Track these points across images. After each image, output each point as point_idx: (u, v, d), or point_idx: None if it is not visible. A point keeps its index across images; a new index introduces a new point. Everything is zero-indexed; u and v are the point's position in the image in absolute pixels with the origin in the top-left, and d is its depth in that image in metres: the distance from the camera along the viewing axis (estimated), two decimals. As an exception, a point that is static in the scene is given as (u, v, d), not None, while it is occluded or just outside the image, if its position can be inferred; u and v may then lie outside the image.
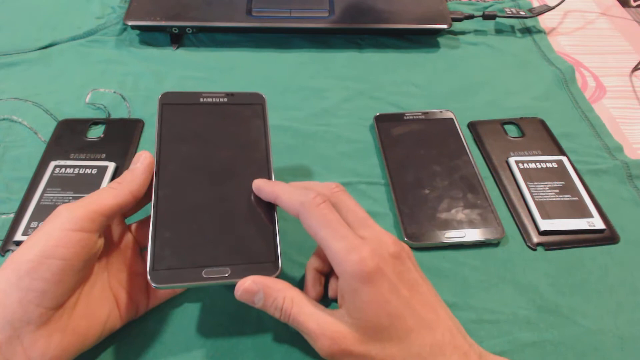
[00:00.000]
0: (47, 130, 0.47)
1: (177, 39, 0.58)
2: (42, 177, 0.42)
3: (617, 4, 0.70)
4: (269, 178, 0.34)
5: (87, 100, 0.51)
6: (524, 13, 0.62)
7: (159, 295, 0.35)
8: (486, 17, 0.61)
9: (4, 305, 0.26)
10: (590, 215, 0.41)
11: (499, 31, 0.63)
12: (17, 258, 0.27)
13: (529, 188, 0.43)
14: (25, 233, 0.38)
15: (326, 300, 0.35)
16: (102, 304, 0.31)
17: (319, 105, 0.52)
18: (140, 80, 0.53)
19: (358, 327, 0.28)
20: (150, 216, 0.35)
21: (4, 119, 0.48)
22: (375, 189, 0.44)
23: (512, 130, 0.49)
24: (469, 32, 0.62)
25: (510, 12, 0.62)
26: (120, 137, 0.46)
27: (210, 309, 0.35)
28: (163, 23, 0.56)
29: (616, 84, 0.57)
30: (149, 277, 0.30)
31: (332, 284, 0.35)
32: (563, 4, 0.65)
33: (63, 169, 0.42)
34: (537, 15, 0.63)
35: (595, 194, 0.44)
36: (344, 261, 0.28)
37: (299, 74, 0.55)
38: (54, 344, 0.27)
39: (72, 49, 0.57)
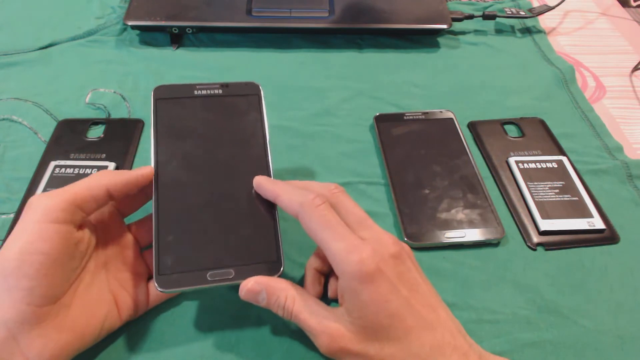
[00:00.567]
0: (47, 130, 0.47)
1: (177, 39, 0.58)
2: (42, 177, 0.42)
3: (617, 4, 0.70)
4: (267, 172, 0.34)
5: (87, 100, 0.51)
6: (524, 13, 0.62)
7: (158, 295, 0.34)
8: (486, 17, 0.61)
9: None
10: (590, 215, 0.41)
11: (499, 31, 0.63)
12: (0, 259, 0.27)
13: (529, 188, 0.43)
14: (25, 233, 0.38)
15: (325, 300, 0.35)
16: (100, 303, 0.31)
17: (319, 105, 0.52)
18: (140, 80, 0.53)
19: (357, 326, 0.28)
20: (150, 215, 0.35)
21: (4, 119, 0.49)
22: (375, 189, 0.44)
23: (512, 130, 0.49)
24: (469, 32, 0.62)
25: (510, 12, 0.62)
26: (120, 137, 0.46)
27: (210, 309, 0.35)
28: (163, 23, 0.56)
29: (616, 84, 0.57)
30: (155, 282, 0.30)
31: (332, 284, 0.35)
32: (563, 4, 0.65)
33: (63, 169, 0.42)
34: (537, 15, 0.63)
35: (595, 194, 0.44)
36: (344, 262, 0.28)
37: (299, 74, 0.55)
38: (51, 344, 0.27)
39: (72, 49, 0.57)
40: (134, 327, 0.34)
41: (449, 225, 0.40)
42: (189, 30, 0.57)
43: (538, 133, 0.49)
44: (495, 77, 0.56)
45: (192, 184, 0.33)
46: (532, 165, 0.45)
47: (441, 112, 0.49)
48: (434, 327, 0.28)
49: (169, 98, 0.35)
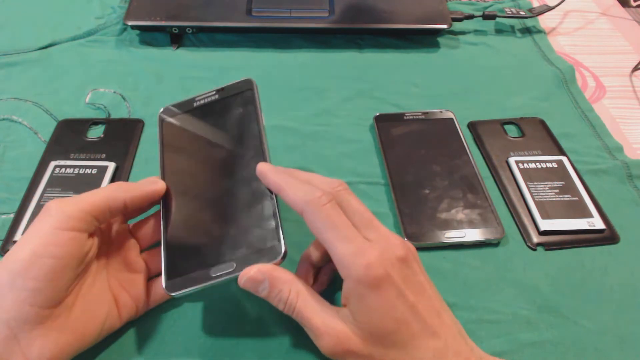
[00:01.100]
0: (47, 130, 0.47)
1: (177, 39, 0.58)
2: (42, 177, 0.42)
3: (617, 4, 0.70)
4: (265, 160, 0.34)
5: (87, 100, 0.51)
6: (524, 13, 0.62)
7: (158, 295, 0.35)
8: (486, 17, 0.61)
9: None
10: (590, 215, 0.41)
11: (499, 31, 0.63)
12: (10, 258, 0.27)
13: (529, 188, 0.43)
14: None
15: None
16: (100, 304, 0.31)
17: (319, 105, 0.52)
18: (140, 80, 0.53)
19: (363, 330, 0.28)
20: (150, 216, 0.36)
21: (4, 119, 0.49)
22: (375, 189, 0.44)
23: (512, 130, 0.49)
24: (469, 32, 0.62)
25: (510, 12, 0.62)
26: (120, 137, 0.46)
27: (210, 309, 0.35)
28: (163, 23, 0.56)
29: (616, 84, 0.57)
30: (164, 287, 0.30)
31: (322, 278, 0.34)
32: (563, 4, 0.65)
33: (63, 169, 0.42)
34: (537, 15, 0.63)
35: (595, 194, 0.43)
36: (350, 265, 0.27)
37: (299, 74, 0.55)
38: (51, 344, 0.27)
39: (72, 49, 0.57)
40: (134, 327, 0.34)
41: (449, 225, 0.40)
42: (189, 30, 0.57)
43: (538, 133, 0.49)
44: (495, 77, 0.56)
45: (195, 189, 0.34)
46: (532, 165, 0.45)
47: (441, 112, 0.49)
48: (437, 332, 0.28)
49: (173, 115, 0.37)
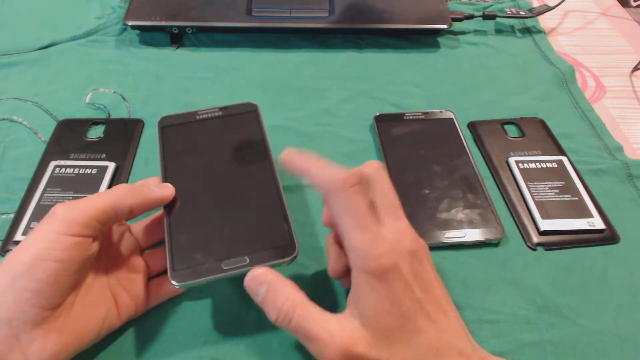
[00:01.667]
0: (47, 130, 0.47)
1: (177, 39, 0.58)
2: (42, 177, 0.42)
3: (617, 4, 0.70)
4: (274, 177, 0.35)
5: (87, 100, 0.51)
6: (524, 13, 0.62)
7: (158, 294, 0.35)
8: (486, 17, 0.61)
9: (0, 305, 0.26)
10: (590, 215, 0.41)
11: (499, 31, 0.63)
12: (13, 259, 0.27)
13: (529, 188, 0.43)
14: (25, 233, 0.38)
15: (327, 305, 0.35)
16: (100, 303, 0.31)
17: (319, 105, 0.52)
18: (140, 80, 0.53)
19: (370, 328, 0.27)
20: (150, 216, 0.36)
21: (4, 119, 0.49)
22: (375, 189, 0.44)
23: (512, 130, 0.49)
24: (469, 32, 0.62)
25: (510, 12, 0.62)
26: (120, 137, 0.46)
27: (210, 309, 0.35)
28: (163, 23, 0.56)
29: (616, 84, 0.57)
30: (170, 278, 0.30)
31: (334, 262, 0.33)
32: (563, 4, 0.65)
33: (63, 169, 0.42)
34: (537, 15, 0.63)
35: (595, 194, 0.43)
36: (361, 254, 0.27)
37: (299, 74, 0.55)
38: (51, 344, 0.27)
39: (72, 49, 0.57)
40: (134, 327, 0.34)
41: (449, 225, 0.40)
42: (189, 30, 0.57)
43: (538, 133, 0.49)
44: (495, 77, 0.56)
45: (199, 188, 0.34)
46: (532, 165, 0.45)
47: (441, 112, 0.49)
48: (442, 330, 0.28)
49: (173, 125, 0.38)
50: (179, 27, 0.56)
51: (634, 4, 0.69)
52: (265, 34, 0.60)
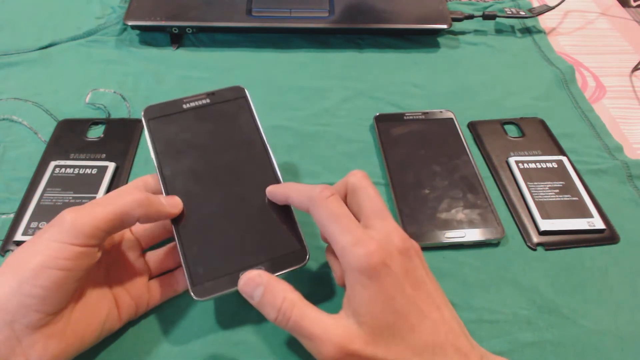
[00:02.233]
0: (47, 130, 0.47)
1: (177, 39, 0.58)
2: (42, 177, 0.42)
3: (617, 4, 0.70)
4: (273, 170, 0.35)
5: (87, 100, 0.51)
6: (524, 13, 0.62)
7: (159, 295, 0.35)
8: (486, 17, 0.61)
9: (4, 309, 0.26)
10: (590, 215, 0.41)
11: (499, 31, 0.63)
12: (20, 264, 0.27)
13: (529, 188, 0.43)
14: (25, 233, 0.38)
15: (328, 307, 0.35)
16: (101, 305, 0.31)
17: (319, 105, 0.52)
18: (140, 80, 0.53)
19: (365, 325, 0.27)
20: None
21: (4, 119, 0.49)
22: (375, 189, 0.44)
23: (512, 130, 0.49)
24: (469, 32, 0.62)
25: (510, 12, 0.62)
26: (120, 137, 0.46)
27: (211, 309, 0.35)
28: (163, 23, 0.56)
29: (616, 84, 0.57)
30: (192, 294, 0.30)
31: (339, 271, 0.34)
32: (563, 4, 0.65)
33: (63, 169, 0.42)
34: (537, 15, 0.63)
35: (595, 194, 0.44)
36: (350, 255, 0.27)
37: (299, 74, 0.55)
38: (52, 346, 0.27)
39: (72, 49, 0.57)
40: (134, 327, 0.34)
41: (449, 225, 0.40)
42: (189, 30, 0.57)
43: (538, 133, 0.49)
44: (495, 77, 0.56)
45: (203, 193, 0.34)
46: (532, 165, 0.45)
47: (441, 112, 0.49)
48: (437, 326, 0.28)
49: (160, 117, 0.36)
50: (179, 27, 0.56)
51: (634, 4, 0.69)
52: (265, 34, 0.60)
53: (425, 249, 0.39)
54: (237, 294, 0.30)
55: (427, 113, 0.49)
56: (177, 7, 0.58)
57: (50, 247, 0.27)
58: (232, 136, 0.36)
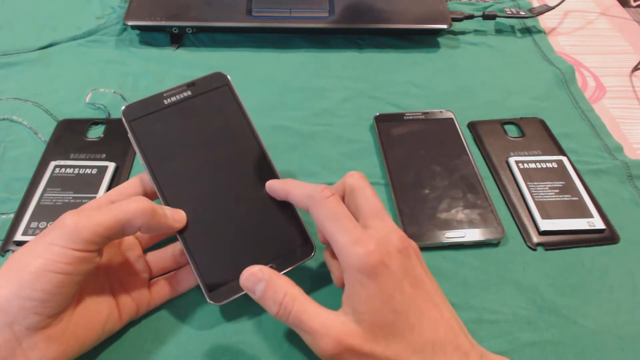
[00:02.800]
0: (47, 130, 0.47)
1: (177, 39, 0.58)
2: (42, 177, 0.42)
3: (617, 4, 0.70)
4: (266, 161, 0.35)
5: (87, 100, 0.51)
6: (524, 13, 0.62)
7: (159, 295, 0.35)
8: (486, 17, 0.61)
9: (4, 311, 0.26)
10: (590, 215, 0.41)
11: (499, 31, 0.63)
12: (20, 267, 0.27)
13: (529, 188, 0.43)
14: (25, 233, 0.38)
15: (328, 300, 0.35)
16: (101, 306, 0.31)
17: (319, 105, 0.52)
18: (140, 80, 0.53)
19: (363, 323, 0.27)
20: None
21: (4, 119, 0.49)
22: (375, 189, 0.43)
23: (512, 130, 0.49)
24: (469, 32, 0.62)
25: (510, 12, 0.62)
26: (120, 137, 0.46)
27: (211, 309, 0.35)
28: (163, 23, 0.56)
29: (616, 84, 0.57)
30: (209, 300, 0.31)
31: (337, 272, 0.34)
32: (563, 4, 0.65)
33: (63, 169, 0.42)
34: (537, 15, 0.63)
35: (595, 194, 0.44)
36: (349, 254, 0.28)
37: (299, 74, 0.55)
38: (53, 348, 0.27)
39: (72, 49, 0.57)
40: (134, 328, 0.34)
41: (449, 225, 0.40)
42: (189, 30, 0.57)
43: (538, 133, 0.49)
44: (495, 77, 0.56)
45: (203, 196, 0.33)
46: (532, 165, 0.45)
47: (441, 112, 0.49)
48: (436, 325, 0.28)
49: (143, 116, 0.34)
50: (179, 27, 0.56)
51: (634, 4, 0.69)
52: (265, 34, 0.60)
53: (425, 249, 0.39)
54: None
55: (427, 113, 0.49)
56: (177, 7, 0.58)
57: (50, 250, 0.27)
58: (221, 130, 0.35)
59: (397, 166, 0.44)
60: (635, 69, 0.58)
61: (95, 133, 0.47)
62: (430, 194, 0.42)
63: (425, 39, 0.60)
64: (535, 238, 0.40)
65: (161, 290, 0.35)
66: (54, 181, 0.41)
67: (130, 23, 0.56)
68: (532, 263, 0.39)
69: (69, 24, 0.59)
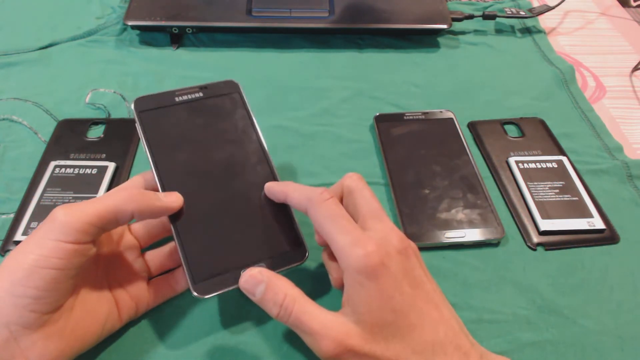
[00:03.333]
0: (47, 130, 0.47)
1: (177, 39, 0.58)
2: (42, 177, 0.42)
3: (617, 4, 0.70)
4: (269, 167, 0.35)
5: (87, 100, 0.51)
6: (524, 13, 0.62)
7: (159, 294, 0.35)
8: (486, 17, 0.61)
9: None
10: (590, 215, 0.41)
11: (499, 31, 0.63)
12: (12, 264, 0.27)
13: (529, 188, 0.43)
14: (25, 233, 0.38)
15: (327, 301, 0.35)
16: (100, 305, 0.31)
17: (319, 105, 0.52)
18: (140, 80, 0.53)
19: (363, 323, 0.27)
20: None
21: (4, 119, 0.49)
22: (375, 189, 0.44)
23: (512, 130, 0.49)
24: (469, 32, 0.62)
25: (510, 12, 0.62)
26: (120, 137, 0.46)
27: (210, 310, 0.35)
28: (163, 23, 0.56)
29: (616, 84, 0.57)
30: (193, 291, 0.30)
31: (335, 272, 0.34)
32: (563, 4, 0.65)
33: (63, 169, 0.42)
34: (537, 15, 0.63)
35: (595, 194, 0.43)
36: (349, 255, 0.28)
37: (299, 74, 0.55)
38: (52, 347, 0.27)
39: (72, 49, 0.57)
40: (134, 328, 0.34)
41: (449, 225, 0.40)
42: (189, 30, 0.57)
43: (538, 133, 0.49)
44: (495, 77, 0.56)
45: (201, 190, 0.33)
46: (532, 165, 0.45)
47: (441, 112, 0.49)
48: (437, 325, 0.28)
49: (153, 109, 0.35)
50: (179, 27, 0.56)
51: (634, 4, 0.69)
52: (265, 34, 0.60)
53: (425, 249, 0.39)
54: (238, 291, 0.30)
55: (427, 113, 0.49)
56: (177, 7, 0.58)
57: (42, 245, 0.27)
58: (228, 132, 0.35)
59: (397, 166, 0.44)
60: (635, 69, 0.58)
61: (95, 133, 0.47)
62: (430, 194, 0.42)
63: (425, 39, 0.60)
64: (535, 238, 0.40)
65: (160, 289, 0.35)
66: (54, 181, 0.41)
67: (130, 23, 0.56)
68: (532, 263, 0.39)
69: (69, 24, 0.59)
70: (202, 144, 0.35)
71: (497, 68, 0.57)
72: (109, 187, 0.42)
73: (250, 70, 0.55)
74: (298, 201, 0.32)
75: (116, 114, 0.49)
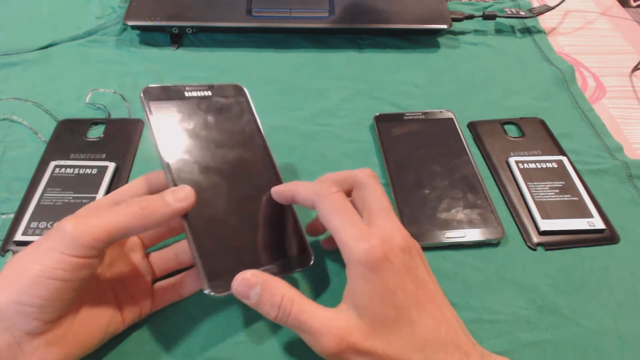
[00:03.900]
0: (47, 130, 0.47)
1: (177, 39, 0.58)
2: (42, 177, 0.42)
3: (617, 4, 0.70)
4: (275, 172, 0.35)
5: (87, 100, 0.51)
6: (524, 13, 0.62)
7: (163, 297, 0.34)
8: (486, 17, 0.61)
9: (3, 316, 0.26)
10: (590, 215, 0.41)
11: (499, 31, 0.63)
12: (18, 272, 0.27)
13: (529, 188, 0.43)
14: (25, 233, 0.38)
15: (327, 302, 0.35)
16: (103, 308, 0.31)
17: (319, 105, 0.52)
18: (140, 80, 0.53)
19: (365, 318, 0.27)
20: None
21: (4, 119, 0.49)
22: (375, 189, 0.44)
23: (512, 130, 0.49)
24: (469, 32, 0.62)
25: (510, 12, 0.62)
26: (120, 137, 0.46)
27: (211, 310, 0.35)
28: (163, 23, 0.56)
29: (616, 84, 0.57)
30: (208, 289, 0.30)
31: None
32: (563, 4, 0.65)
33: (63, 169, 0.42)
34: (537, 15, 0.63)
35: (595, 194, 0.43)
36: (353, 249, 0.28)
37: (299, 74, 0.55)
38: (54, 352, 0.27)
39: (72, 49, 0.57)
40: (135, 331, 0.34)
41: (449, 225, 0.40)
42: (189, 30, 0.57)
43: (538, 133, 0.49)
44: (495, 77, 0.56)
45: (212, 187, 0.33)
46: (532, 165, 0.45)
47: (441, 112, 0.49)
48: (438, 323, 0.28)
49: (162, 100, 0.34)
50: (179, 27, 0.56)
51: (634, 4, 0.69)
52: (265, 34, 0.60)
53: (425, 249, 0.39)
54: None
55: (427, 113, 0.49)
56: (177, 7, 0.58)
57: (49, 256, 0.26)
58: (237, 133, 0.35)
59: (397, 166, 0.44)
60: (635, 69, 0.58)
61: (95, 133, 0.47)
62: (430, 194, 0.42)
63: (425, 39, 0.60)
64: (535, 238, 0.40)
65: (165, 293, 0.34)
66: (54, 181, 0.41)
67: (130, 23, 0.56)
68: (532, 263, 0.39)
69: (69, 24, 0.59)
70: (212, 142, 0.34)
71: (497, 68, 0.57)
72: (109, 187, 0.42)
73: (250, 70, 0.55)
74: (305, 196, 0.31)
75: (116, 114, 0.49)
